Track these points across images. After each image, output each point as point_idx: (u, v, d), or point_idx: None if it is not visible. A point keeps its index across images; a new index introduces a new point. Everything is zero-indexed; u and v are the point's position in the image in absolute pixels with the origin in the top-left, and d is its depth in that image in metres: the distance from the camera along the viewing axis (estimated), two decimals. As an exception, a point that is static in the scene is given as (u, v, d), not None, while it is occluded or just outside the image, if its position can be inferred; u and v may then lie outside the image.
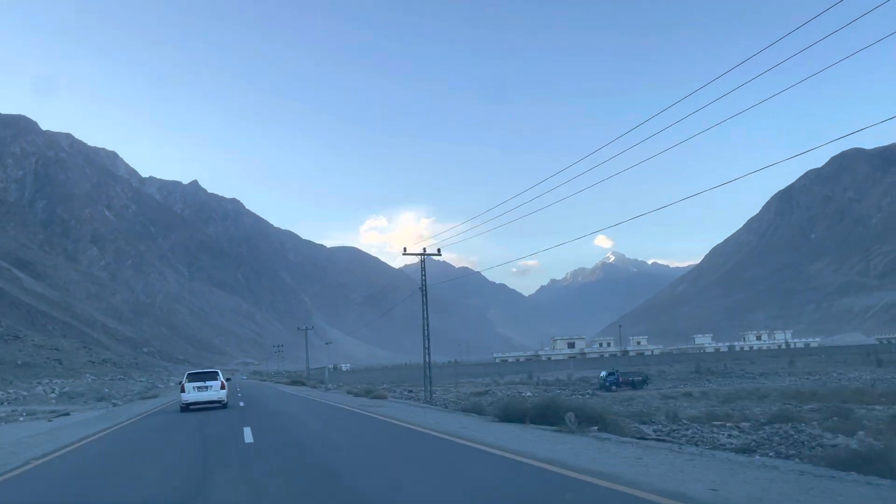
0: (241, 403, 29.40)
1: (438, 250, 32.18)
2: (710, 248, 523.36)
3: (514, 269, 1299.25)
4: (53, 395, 51.73)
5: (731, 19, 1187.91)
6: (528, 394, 43.10)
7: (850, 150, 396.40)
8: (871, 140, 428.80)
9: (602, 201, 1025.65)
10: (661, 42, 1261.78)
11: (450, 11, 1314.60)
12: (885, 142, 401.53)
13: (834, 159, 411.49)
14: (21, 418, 28.86)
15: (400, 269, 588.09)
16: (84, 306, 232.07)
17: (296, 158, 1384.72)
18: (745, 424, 13.82)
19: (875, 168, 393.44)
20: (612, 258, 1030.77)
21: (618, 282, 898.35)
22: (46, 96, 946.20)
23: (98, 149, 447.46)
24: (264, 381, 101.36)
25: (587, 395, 40.02)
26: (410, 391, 43.38)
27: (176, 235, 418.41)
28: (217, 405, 27.48)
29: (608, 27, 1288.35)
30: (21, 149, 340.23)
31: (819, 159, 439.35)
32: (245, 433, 15.00)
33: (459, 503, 7.16)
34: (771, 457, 8.87)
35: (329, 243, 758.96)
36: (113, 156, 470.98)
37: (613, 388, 51.76)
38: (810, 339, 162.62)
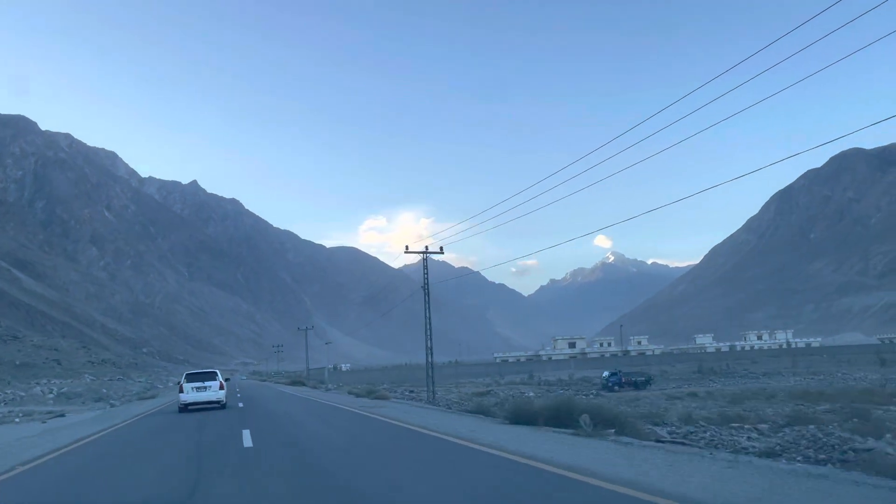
0: (241, 404, 28.91)
1: (441, 248, 31.72)
2: (709, 248, 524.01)
3: (514, 269, 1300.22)
4: (51, 395, 51.27)
5: (731, 19, 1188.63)
6: (531, 394, 42.64)
7: (850, 150, 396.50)
8: (870, 140, 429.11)
9: (601, 200, 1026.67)
10: (660, 42, 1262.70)
11: (450, 11, 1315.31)
12: (884, 142, 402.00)
13: (833, 159, 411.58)
14: (17, 419, 28.42)
15: (399, 269, 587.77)
16: (83, 306, 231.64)
17: (295, 158, 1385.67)
18: (762, 426, 13.38)
19: (874, 168, 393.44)
20: (612, 258, 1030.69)
21: (617, 282, 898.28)
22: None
23: (97, 149, 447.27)
24: (264, 381, 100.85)
25: (591, 396, 39.55)
26: (411, 391, 42.92)
27: (175, 235, 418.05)
28: (216, 406, 27.16)
29: (608, 27, 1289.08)
30: (20, 149, 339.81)
31: (818, 159, 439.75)
32: (244, 436, 14.44)
33: None
34: (799, 461, 8.43)
35: (328, 243, 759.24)
36: (112, 156, 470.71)
37: (616, 388, 51.29)
38: (811, 339, 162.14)
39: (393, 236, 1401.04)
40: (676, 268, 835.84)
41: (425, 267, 31.70)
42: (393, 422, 16.66)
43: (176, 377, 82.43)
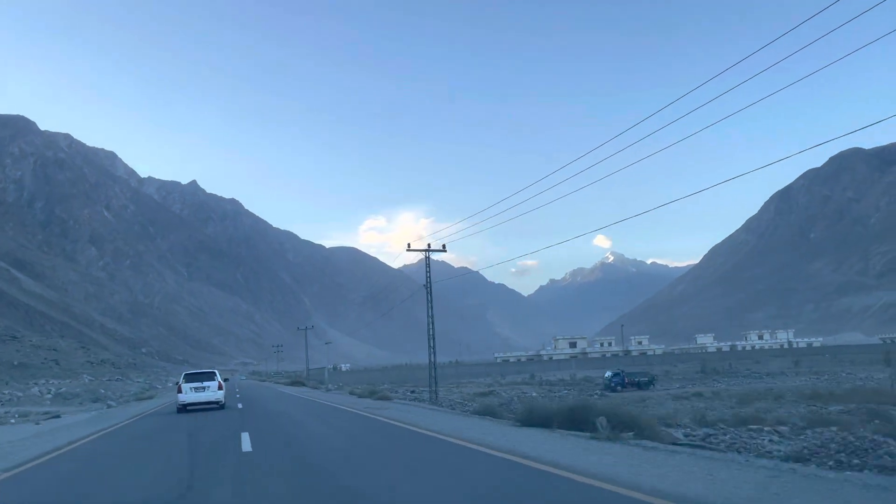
0: (240, 405, 28.40)
1: (444, 246, 31.26)
2: (709, 248, 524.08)
3: (514, 270, 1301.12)
4: (49, 395, 50.81)
5: (731, 19, 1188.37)
6: (535, 394, 42.21)
7: (849, 149, 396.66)
8: (869, 140, 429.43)
9: (601, 200, 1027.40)
10: (660, 42, 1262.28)
11: (450, 11, 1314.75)
12: (883, 141, 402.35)
13: (833, 159, 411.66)
14: (13, 420, 27.96)
15: (399, 270, 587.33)
16: (82, 306, 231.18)
17: (295, 158, 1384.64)
18: (782, 428, 12.91)
19: (874, 168, 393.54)
20: (611, 258, 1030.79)
21: (617, 282, 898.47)
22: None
23: (97, 149, 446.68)
24: (263, 381, 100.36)
25: (595, 396, 39.10)
26: (413, 392, 42.46)
27: (175, 236, 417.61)
28: (214, 406, 26.87)
29: (608, 27, 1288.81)
30: (20, 149, 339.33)
31: (818, 159, 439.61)
32: (243, 439, 13.71)
33: None
34: (830, 466, 7.96)
35: (328, 243, 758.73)
36: (111, 156, 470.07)
37: (619, 388, 50.77)
38: (813, 339, 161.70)
39: (393, 236, 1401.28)
40: (676, 268, 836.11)
41: (428, 265, 31.21)
42: (402, 425, 15.79)
43: (175, 377, 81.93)
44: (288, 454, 11.65)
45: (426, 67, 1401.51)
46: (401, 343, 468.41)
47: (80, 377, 78.09)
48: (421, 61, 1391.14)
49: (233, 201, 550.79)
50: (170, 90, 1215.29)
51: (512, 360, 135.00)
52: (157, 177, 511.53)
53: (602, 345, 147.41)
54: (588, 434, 10.69)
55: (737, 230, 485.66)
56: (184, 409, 26.16)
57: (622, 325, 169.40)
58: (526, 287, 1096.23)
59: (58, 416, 28.18)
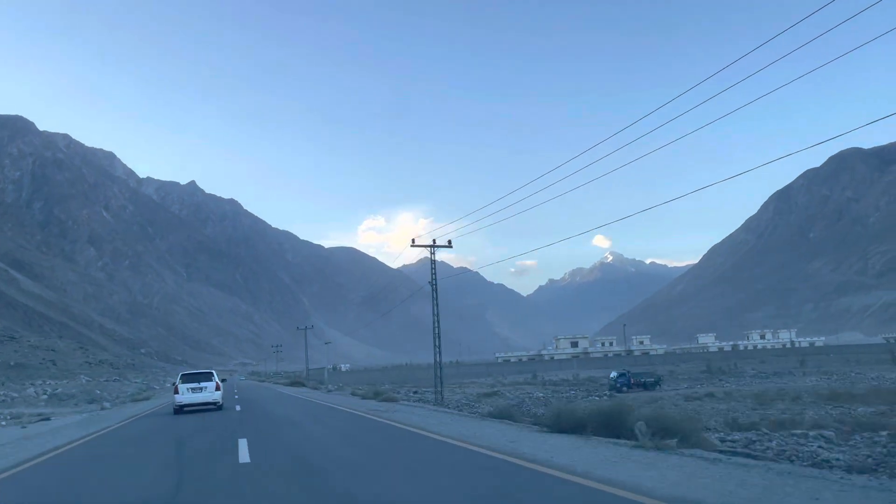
0: (238, 407, 27.43)
1: (449, 242, 30.34)
2: (708, 248, 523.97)
3: (513, 270, 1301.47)
4: (44, 396, 49.91)
5: (730, 19, 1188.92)
6: (540, 395, 41.31)
7: (848, 149, 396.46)
8: (869, 139, 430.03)
9: (600, 200, 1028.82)
10: (660, 42, 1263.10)
11: (450, 11, 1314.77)
12: (882, 141, 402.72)
13: (832, 159, 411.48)
14: (3, 422, 27.05)
15: (398, 270, 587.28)
16: (81, 307, 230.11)
17: (294, 158, 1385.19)
18: (827, 433, 12.01)
19: (873, 167, 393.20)
20: (610, 258, 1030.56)
21: (616, 282, 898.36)
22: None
23: (95, 149, 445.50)
24: (263, 381, 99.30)
25: (605, 397, 38.21)
26: (416, 392, 41.58)
27: (174, 236, 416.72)
28: (212, 407, 26.18)
29: (608, 27, 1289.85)
30: (18, 149, 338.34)
31: (817, 159, 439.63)
32: (240, 447, 12.39)
33: None
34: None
35: (327, 243, 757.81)
36: (110, 156, 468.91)
37: (625, 389, 49.76)
38: (815, 339, 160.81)
39: (392, 236, 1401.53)
40: (675, 268, 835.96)
41: (433, 261, 30.33)
42: (417, 431, 14.23)
43: (173, 378, 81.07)
44: (293, 468, 10.01)
45: (426, 67, 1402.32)
46: (400, 343, 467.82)
47: (77, 378, 77.17)
48: (421, 61, 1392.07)
49: (232, 201, 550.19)
50: (169, 90, 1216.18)
51: (513, 359, 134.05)
52: (155, 177, 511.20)
53: (603, 344, 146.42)
54: (629, 442, 9.59)
55: (736, 230, 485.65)
56: (180, 410, 25.47)
57: (624, 325, 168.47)
58: (525, 287, 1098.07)
59: (47, 419, 27.26)
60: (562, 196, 25.79)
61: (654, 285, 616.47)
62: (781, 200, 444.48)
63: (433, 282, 29.62)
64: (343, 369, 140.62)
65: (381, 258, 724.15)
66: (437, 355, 30.39)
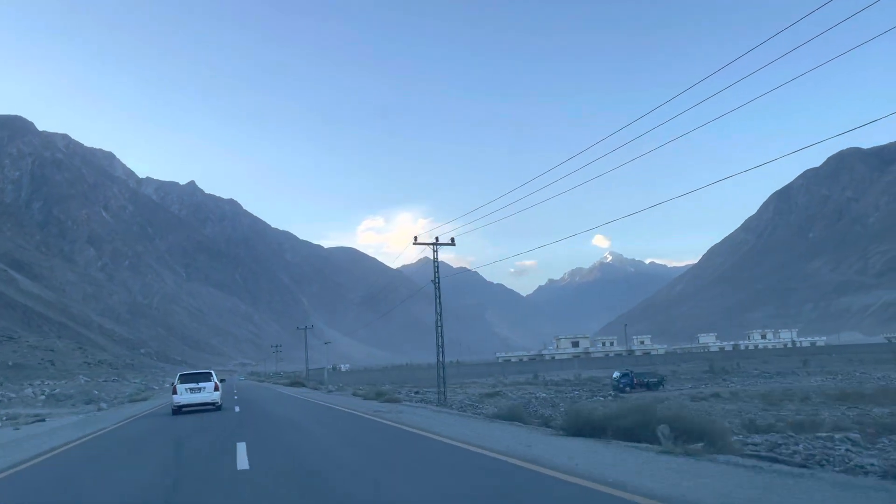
0: (237, 408, 26.94)
1: (452, 239, 29.88)
2: (707, 248, 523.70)
3: (512, 270, 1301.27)
4: (42, 397, 49.45)
5: (730, 19, 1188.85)
6: (543, 395, 40.88)
7: (848, 149, 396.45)
8: (868, 139, 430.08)
9: (600, 199, 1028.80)
10: (660, 42, 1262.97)
11: (450, 11, 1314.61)
12: (882, 141, 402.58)
13: (832, 159, 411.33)
14: (-1, 424, 26.60)
15: (398, 270, 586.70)
16: (80, 307, 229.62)
17: (293, 158, 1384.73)
18: (854, 436, 11.56)
19: (872, 167, 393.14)
20: (610, 258, 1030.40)
21: (615, 281, 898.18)
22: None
23: (95, 149, 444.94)
24: (262, 381, 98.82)
25: (609, 397, 37.77)
26: (417, 392, 41.15)
27: (173, 236, 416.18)
28: (210, 407, 25.81)
29: (608, 27, 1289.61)
30: (18, 149, 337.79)
31: (817, 159, 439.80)
32: (238, 452, 11.64)
33: None
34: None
35: (327, 244, 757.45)
36: (110, 156, 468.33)
37: (628, 389, 49.31)
38: (816, 338, 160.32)
39: (391, 236, 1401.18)
40: (675, 267, 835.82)
41: (435, 259, 29.87)
42: (425, 434, 13.36)
43: (172, 378, 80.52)
44: (296, 478, 9.10)
45: (426, 67, 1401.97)
46: (400, 343, 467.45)
47: (75, 378, 76.66)
48: (421, 61, 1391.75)
49: (231, 202, 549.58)
50: (168, 90, 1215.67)
51: (514, 359, 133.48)
52: (155, 177, 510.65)
53: (604, 344, 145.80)
54: (652, 446, 9.00)
55: (736, 230, 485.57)
56: (179, 410, 25.12)
57: (625, 325, 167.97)
58: (524, 287, 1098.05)
59: (43, 420, 26.81)
60: (561, 196, 25.63)
61: (654, 285, 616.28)
62: (781, 200, 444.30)
63: (436, 280, 29.15)
64: (343, 369, 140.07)
65: (380, 258, 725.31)
66: (441, 355, 29.93)
